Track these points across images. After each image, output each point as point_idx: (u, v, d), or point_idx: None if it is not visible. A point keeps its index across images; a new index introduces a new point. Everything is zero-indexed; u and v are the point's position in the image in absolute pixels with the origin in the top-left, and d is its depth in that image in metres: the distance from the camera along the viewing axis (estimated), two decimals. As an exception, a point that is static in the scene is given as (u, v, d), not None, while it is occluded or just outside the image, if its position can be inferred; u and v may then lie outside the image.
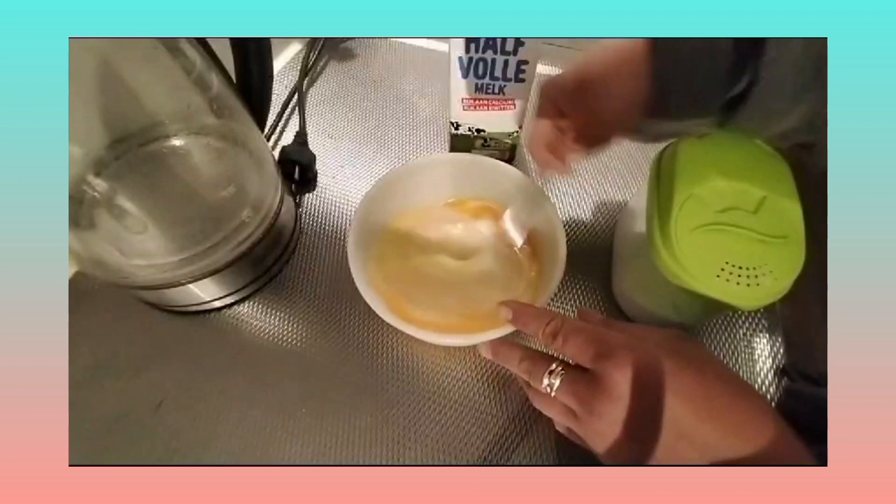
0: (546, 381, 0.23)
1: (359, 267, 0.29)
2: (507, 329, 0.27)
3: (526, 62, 0.31)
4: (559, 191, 0.42)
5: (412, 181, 0.35)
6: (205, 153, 0.34)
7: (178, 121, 0.32)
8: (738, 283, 0.24)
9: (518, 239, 0.34)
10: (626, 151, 0.44)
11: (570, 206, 0.41)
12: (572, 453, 0.30)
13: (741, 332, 0.34)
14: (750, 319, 0.35)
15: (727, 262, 0.25)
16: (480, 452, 0.30)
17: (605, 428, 0.21)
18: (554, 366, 0.24)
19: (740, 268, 0.24)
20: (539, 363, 0.24)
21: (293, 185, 0.41)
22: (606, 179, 0.43)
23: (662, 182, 0.28)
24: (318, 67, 0.52)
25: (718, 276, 0.25)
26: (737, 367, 0.32)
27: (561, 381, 0.23)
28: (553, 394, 0.23)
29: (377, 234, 0.34)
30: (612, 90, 0.24)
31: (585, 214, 0.41)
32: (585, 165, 0.44)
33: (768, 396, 0.31)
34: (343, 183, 0.43)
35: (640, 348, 0.21)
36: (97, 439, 0.30)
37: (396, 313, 0.28)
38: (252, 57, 0.32)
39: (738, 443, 0.19)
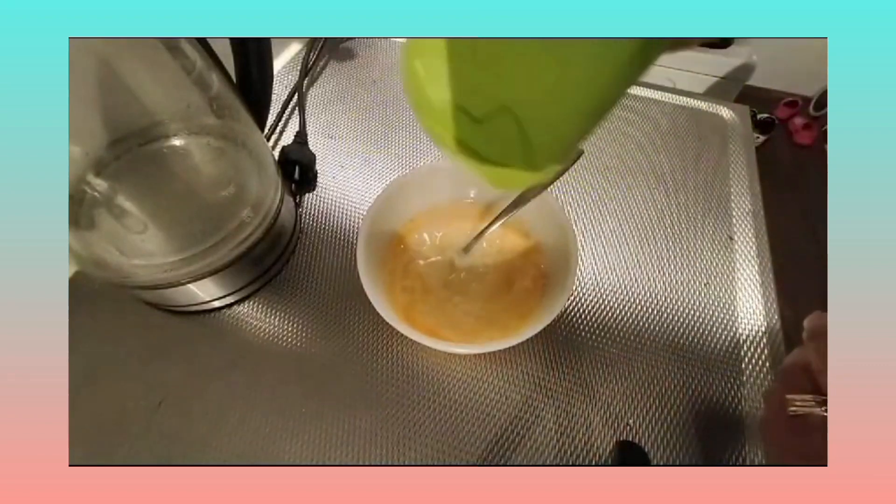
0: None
1: (368, 275, 0.29)
2: (517, 339, 0.27)
3: (526, 62, 0.31)
4: (560, 189, 0.42)
5: (423, 186, 0.35)
6: (205, 153, 0.34)
7: (178, 121, 0.32)
8: None
9: None
10: (627, 151, 0.44)
11: (572, 205, 0.41)
12: (572, 453, 0.30)
13: (741, 332, 0.34)
14: (751, 321, 0.35)
15: None
16: (480, 452, 0.30)
17: None
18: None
19: None
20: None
21: (293, 185, 0.41)
22: (606, 179, 0.43)
23: None
24: (318, 67, 0.52)
25: None
26: (737, 368, 0.32)
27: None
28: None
29: (386, 241, 0.34)
30: None
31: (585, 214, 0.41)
32: (587, 164, 0.44)
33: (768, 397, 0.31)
34: (343, 183, 0.43)
35: None
36: (97, 439, 0.30)
37: (407, 321, 0.28)
38: (252, 57, 0.32)
39: None
